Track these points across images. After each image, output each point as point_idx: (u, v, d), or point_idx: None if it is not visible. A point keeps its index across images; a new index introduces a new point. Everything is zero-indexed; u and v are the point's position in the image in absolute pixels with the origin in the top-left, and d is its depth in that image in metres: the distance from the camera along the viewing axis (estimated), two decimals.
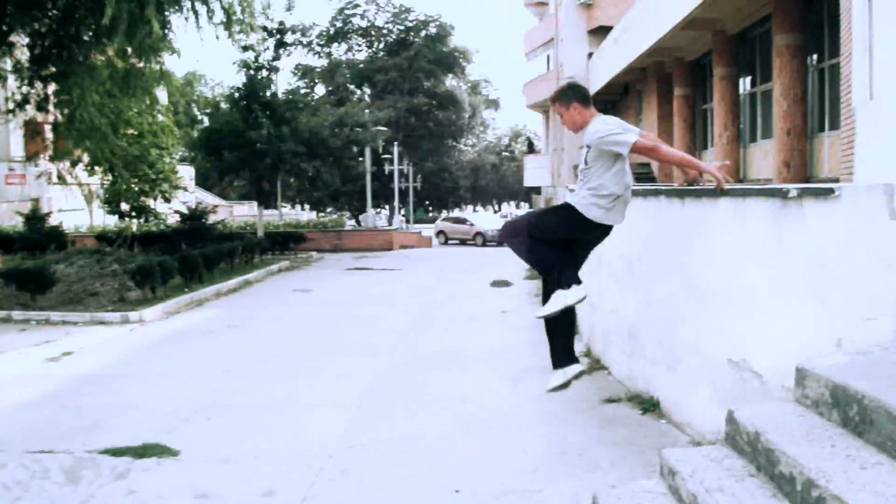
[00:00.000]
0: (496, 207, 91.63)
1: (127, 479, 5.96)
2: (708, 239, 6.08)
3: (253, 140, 29.63)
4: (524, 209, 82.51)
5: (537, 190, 54.10)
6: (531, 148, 55.87)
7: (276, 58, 32.10)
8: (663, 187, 7.21)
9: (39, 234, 24.29)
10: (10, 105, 21.58)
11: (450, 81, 66.91)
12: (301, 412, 7.68)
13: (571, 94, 6.08)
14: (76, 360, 10.53)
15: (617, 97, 37.31)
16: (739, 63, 22.12)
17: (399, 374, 9.19)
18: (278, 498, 5.50)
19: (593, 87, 35.69)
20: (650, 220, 7.29)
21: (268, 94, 31.33)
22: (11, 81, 20.89)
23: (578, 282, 5.88)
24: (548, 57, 45.80)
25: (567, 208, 5.95)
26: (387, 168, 59.00)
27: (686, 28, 21.85)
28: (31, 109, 21.61)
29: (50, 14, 18.30)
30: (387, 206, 64.19)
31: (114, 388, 8.61)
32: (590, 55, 38.28)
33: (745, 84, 22.36)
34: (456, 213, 70.89)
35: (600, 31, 37.33)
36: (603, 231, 6.05)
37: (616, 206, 5.91)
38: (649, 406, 7.22)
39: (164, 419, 7.54)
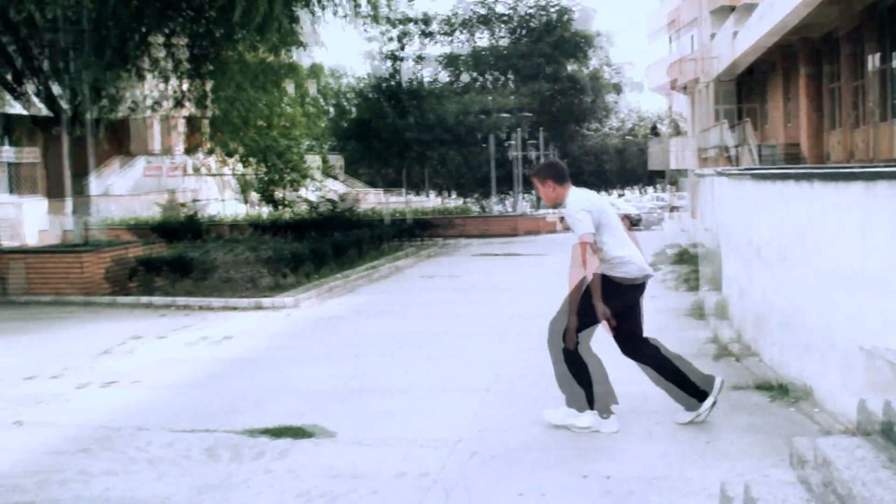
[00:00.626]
0: (620, 192, 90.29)
1: (262, 459, 6.24)
2: (837, 222, 5.95)
3: (399, 128, 30.14)
4: (649, 195, 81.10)
5: (661, 174, 53.19)
6: (655, 132, 54.93)
7: (402, 47, 32.46)
8: (791, 170, 7.08)
9: (179, 223, 25.25)
10: (150, 102, 22.54)
11: (573, 66, 66.26)
12: (427, 397, 7.86)
13: (547, 172, 6.60)
14: (213, 345, 11.03)
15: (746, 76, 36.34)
16: (877, 38, 21.27)
17: (528, 360, 9.28)
18: (409, 479, 5.68)
19: (721, 66, 34.85)
20: (777, 204, 7.16)
21: (392, 82, 31.82)
22: (151, 79, 21.79)
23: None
24: (669, 38, 44.92)
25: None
26: (510, 154, 58.95)
27: (832, 3, 21.17)
28: (167, 105, 22.53)
29: (184, 14, 19.01)
30: (511, 192, 64.14)
31: (280, 369, 8.96)
32: (712, 35, 37.42)
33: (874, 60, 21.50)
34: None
35: (723, 11, 36.42)
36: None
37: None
38: (778, 393, 7.11)
39: (300, 401, 7.81)
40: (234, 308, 14.05)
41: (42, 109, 18.74)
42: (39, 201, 36.39)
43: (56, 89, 17.87)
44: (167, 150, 41.45)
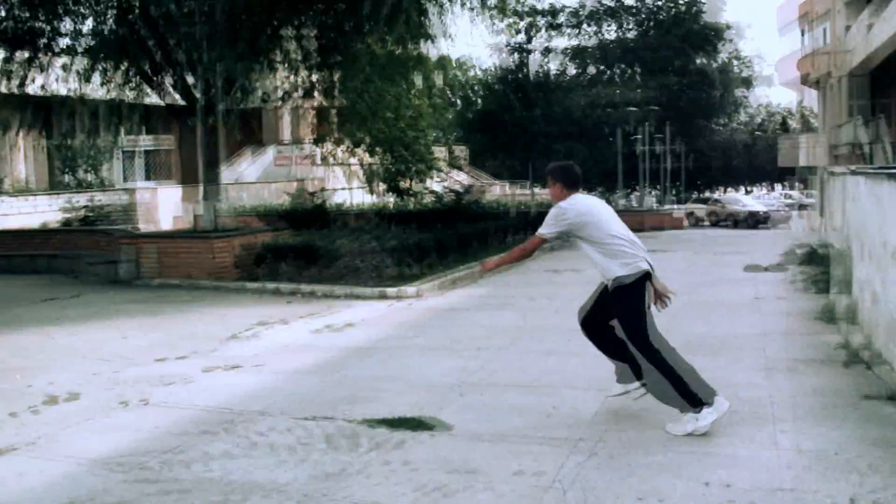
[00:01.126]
0: (747, 189, 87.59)
1: (381, 450, 6.21)
2: None
3: (506, 121, 30.01)
4: (776, 192, 78.49)
5: (791, 171, 51.40)
6: (785, 127, 53.06)
7: (529, 40, 32.25)
8: None
9: (307, 212, 25.63)
10: (280, 93, 23.03)
11: (701, 59, 64.66)
12: (550, 394, 7.71)
13: (559, 175, 6.73)
14: (337, 333, 11.15)
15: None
16: None
17: None
18: (525, 478, 5.55)
19: (855, 60, 33.36)
20: None
21: (520, 74, 31.64)
22: (281, 71, 22.25)
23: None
24: (801, 31, 43.27)
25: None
26: (637, 148, 57.99)
27: None
28: (297, 96, 22.97)
29: (314, 7, 19.30)
30: (637, 187, 63.09)
31: (375, 360, 8.99)
32: (847, 28, 35.84)
33: None
34: (710, 194, 68.56)
35: (858, 3, 34.82)
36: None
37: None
38: None
39: (420, 393, 7.79)
40: (358, 297, 14.17)
41: (177, 100, 19.36)
42: (173, 188, 37.70)
43: (190, 80, 18.42)
44: (297, 140, 42.31)
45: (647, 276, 6.48)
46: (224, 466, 5.95)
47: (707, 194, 68.32)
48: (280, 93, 22.69)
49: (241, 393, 8.06)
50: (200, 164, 17.72)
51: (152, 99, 21.77)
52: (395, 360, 9.39)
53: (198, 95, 17.42)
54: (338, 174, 37.00)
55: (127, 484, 5.68)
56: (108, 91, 21.33)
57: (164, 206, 36.49)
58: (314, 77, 22.16)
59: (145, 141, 40.67)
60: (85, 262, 17.93)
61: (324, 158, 34.11)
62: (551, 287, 15.16)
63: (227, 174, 41.21)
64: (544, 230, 6.61)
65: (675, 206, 50.34)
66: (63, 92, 21.72)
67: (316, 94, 22.58)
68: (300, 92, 22.16)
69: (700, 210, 52.42)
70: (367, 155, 34.88)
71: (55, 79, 21.29)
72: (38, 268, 19.91)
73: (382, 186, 37.54)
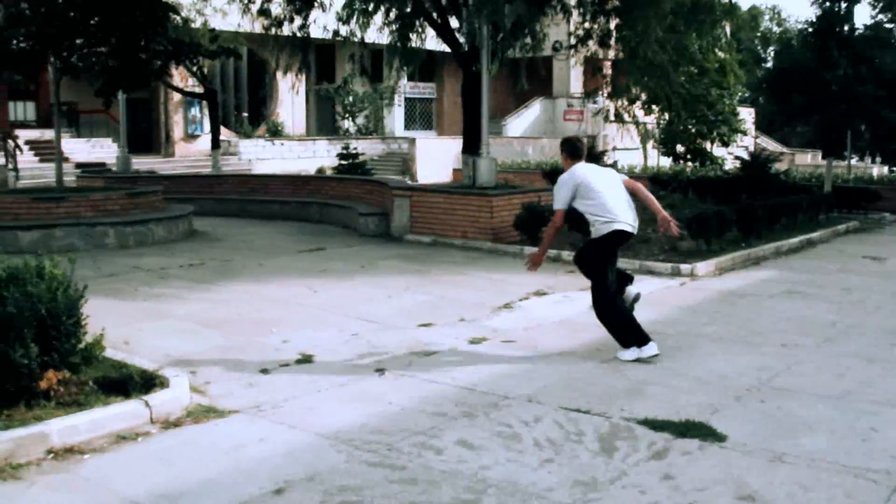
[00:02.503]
0: None
1: (663, 460, 5.61)
2: None
3: (826, 81, 27.78)
4: None
5: None
6: None
7: None
8: None
9: None
10: (573, 40, 22.53)
11: None
12: (869, 412, 6.74)
13: (564, 147, 8.85)
14: None
15: None
16: None
17: None
18: None
19: None
20: None
21: (845, 29, 29.17)
22: (575, 16, 21.73)
23: None
24: None
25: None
26: None
27: None
28: (592, 45, 22.35)
29: None
30: None
31: (662, 347, 8.37)
32: None
33: None
34: None
35: None
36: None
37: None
38: None
39: (711, 393, 7.11)
40: (650, 272, 13.47)
41: (438, 45, 19.26)
42: (443, 139, 38.37)
43: (455, 24, 18.24)
44: (590, 94, 41.65)
45: (617, 234, 8.36)
46: (479, 458, 5.61)
47: None
48: (574, 40, 22.19)
49: (508, 372, 7.75)
50: (485, 115, 17.50)
51: (412, 44, 22.04)
52: (683, 349, 8.69)
53: (483, 40, 17.18)
54: (633, 133, 36.06)
55: (370, 466, 5.47)
56: (387, 33, 21.77)
57: (422, 157, 37.24)
58: (612, 24, 21.46)
59: (409, 88, 41.74)
60: (357, 213, 18.38)
61: (617, 115, 33.33)
62: (870, 278, 13.70)
63: (502, 127, 41.62)
64: (555, 205, 8.54)
65: None
66: (325, 36, 22.49)
67: (612, 42, 21.88)
68: (594, 39, 21.53)
69: None
70: (659, 112, 33.81)
71: (327, 22, 22.04)
72: (310, 216, 20.68)
73: (680, 149, 36.30)
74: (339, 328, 9.43)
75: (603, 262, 8.49)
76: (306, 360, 8.11)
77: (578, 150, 8.76)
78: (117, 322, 9.05)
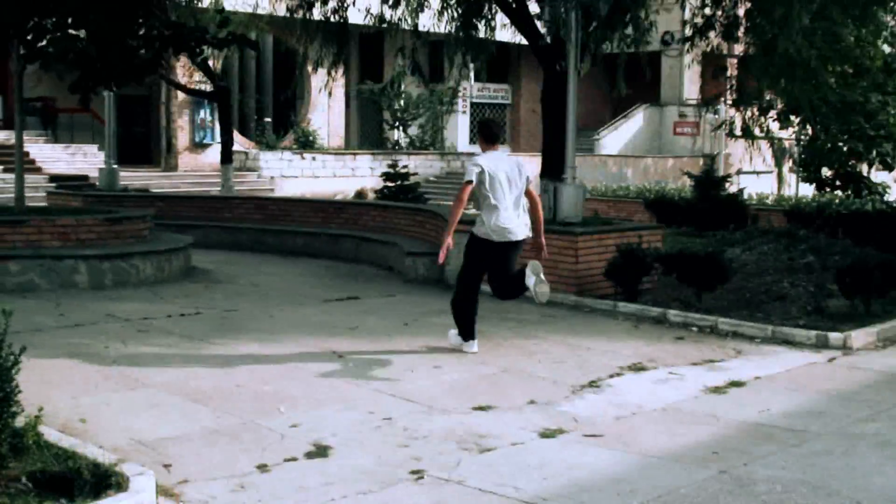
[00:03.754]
0: None
1: None
2: None
3: None
4: None
5: None
6: None
7: None
8: None
9: (711, 205, 24.54)
10: (688, 31, 22.11)
11: None
12: None
13: (480, 130, 12.08)
14: (745, 397, 10.04)
15: None
16: None
17: None
18: None
19: None
20: None
21: None
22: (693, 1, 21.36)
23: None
24: None
25: None
26: None
27: None
28: (713, 37, 21.91)
29: None
30: None
31: (803, 453, 7.83)
32: None
33: None
34: None
35: None
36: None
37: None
38: None
39: None
40: (786, 342, 12.90)
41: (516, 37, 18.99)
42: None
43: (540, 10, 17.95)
44: (708, 101, 41.17)
45: (486, 241, 11.32)
46: None
47: None
48: (690, 31, 21.80)
49: (592, 481, 7.28)
50: (571, 127, 17.03)
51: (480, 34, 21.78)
52: (835, 456, 8.10)
53: (570, 30, 16.72)
54: (764, 152, 35.56)
55: None
56: (446, 20, 21.51)
57: None
58: (739, 9, 21.04)
59: (477, 91, 41.61)
60: (403, 252, 18.09)
61: (746, 129, 32.81)
62: None
63: (581, 143, 41.24)
64: (466, 178, 11.30)
65: None
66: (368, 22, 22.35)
67: (740, 34, 21.44)
68: (716, 30, 21.10)
69: None
70: (800, 125, 33.24)
71: (371, 3, 21.89)
72: (343, 253, 20.51)
73: (826, 172, 35.58)
74: (368, 409, 9.08)
75: (473, 263, 11.58)
76: (320, 452, 7.75)
77: (491, 135, 11.70)
78: (75, 391, 8.91)
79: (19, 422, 6.37)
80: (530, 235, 11.55)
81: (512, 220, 11.19)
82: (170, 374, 10.21)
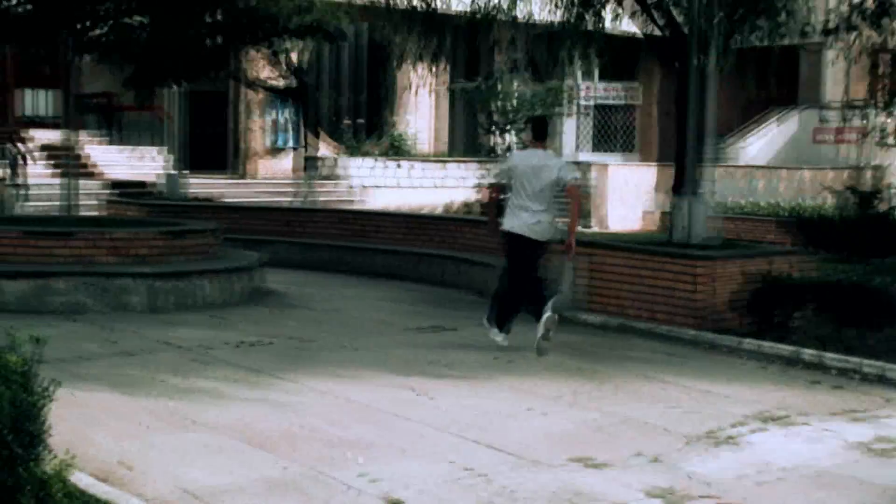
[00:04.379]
0: None
1: None
2: None
3: None
4: None
5: None
6: None
7: None
8: None
9: (864, 225, 23.77)
10: (833, 21, 21.71)
11: None
12: None
13: (531, 126, 15.09)
14: (876, 455, 9.64)
15: None
16: None
17: None
18: None
19: None
20: None
21: None
22: None
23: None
24: None
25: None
26: None
27: None
28: (865, 28, 21.51)
29: None
30: None
31: None
32: None
33: None
34: None
35: None
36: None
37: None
38: None
39: None
40: None
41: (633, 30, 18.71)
42: (636, 166, 37.83)
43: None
44: (854, 103, 40.43)
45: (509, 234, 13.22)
46: None
47: None
48: (833, 20, 21.39)
49: None
50: (709, 131, 16.74)
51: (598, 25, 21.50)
52: None
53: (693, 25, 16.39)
54: None
55: None
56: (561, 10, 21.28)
57: (615, 190, 36.58)
58: None
59: (602, 91, 41.22)
60: (495, 275, 17.94)
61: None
62: None
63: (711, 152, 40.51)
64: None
65: None
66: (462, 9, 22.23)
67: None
68: (867, 20, 20.68)
69: None
70: None
71: None
72: (427, 274, 20.54)
73: None
74: (451, 459, 8.87)
75: (507, 256, 13.76)
76: None
77: (536, 132, 14.01)
78: (119, 431, 8.89)
79: (50, 466, 6.28)
80: (548, 240, 13.49)
81: (522, 217, 13.06)
82: (229, 413, 10.13)
